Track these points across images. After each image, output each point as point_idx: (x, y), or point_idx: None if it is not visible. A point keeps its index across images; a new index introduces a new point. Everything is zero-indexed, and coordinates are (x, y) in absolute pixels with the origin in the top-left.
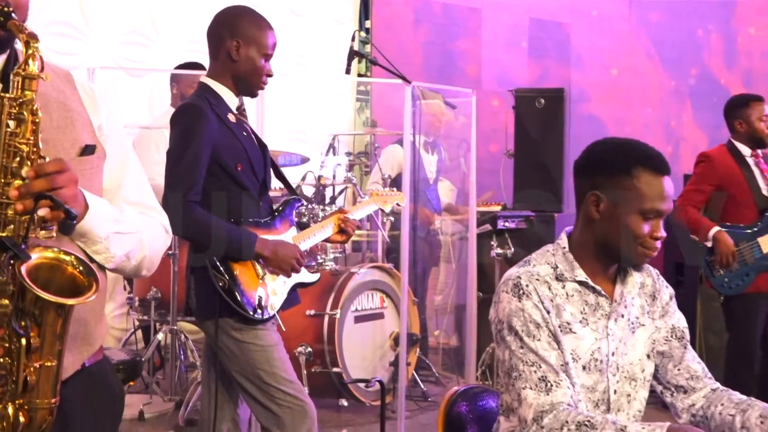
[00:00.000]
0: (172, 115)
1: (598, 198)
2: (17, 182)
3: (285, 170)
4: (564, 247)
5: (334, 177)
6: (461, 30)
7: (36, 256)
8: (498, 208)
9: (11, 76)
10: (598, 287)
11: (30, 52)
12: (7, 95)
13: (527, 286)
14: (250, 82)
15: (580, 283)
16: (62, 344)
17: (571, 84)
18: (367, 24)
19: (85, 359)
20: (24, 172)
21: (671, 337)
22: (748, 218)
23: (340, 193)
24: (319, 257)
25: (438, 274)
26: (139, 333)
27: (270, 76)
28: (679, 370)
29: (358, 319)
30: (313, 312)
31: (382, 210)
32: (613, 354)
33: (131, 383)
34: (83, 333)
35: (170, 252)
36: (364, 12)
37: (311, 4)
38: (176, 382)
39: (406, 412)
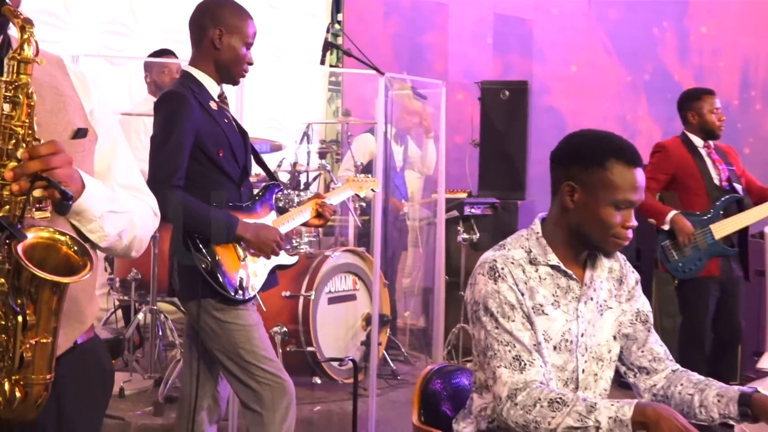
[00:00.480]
0: (155, 102)
1: (572, 188)
2: (13, 164)
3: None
4: (537, 233)
5: (308, 164)
6: (429, 24)
7: (32, 236)
8: (464, 195)
9: (7, 60)
10: (569, 271)
11: (25, 36)
12: (3, 79)
13: (503, 269)
14: (232, 70)
15: (553, 267)
16: (57, 321)
17: (533, 77)
18: (339, 17)
19: (77, 337)
20: (19, 153)
21: (636, 320)
22: (700, 206)
23: (314, 179)
24: (294, 241)
25: (406, 258)
26: (119, 313)
27: (251, 64)
28: (642, 352)
29: (332, 301)
30: (288, 293)
31: (358, 195)
32: (582, 335)
33: (113, 361)
34: (75, 311)
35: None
36: (336, 5)
37: None
38: (155, 360)
39: (377, 389)
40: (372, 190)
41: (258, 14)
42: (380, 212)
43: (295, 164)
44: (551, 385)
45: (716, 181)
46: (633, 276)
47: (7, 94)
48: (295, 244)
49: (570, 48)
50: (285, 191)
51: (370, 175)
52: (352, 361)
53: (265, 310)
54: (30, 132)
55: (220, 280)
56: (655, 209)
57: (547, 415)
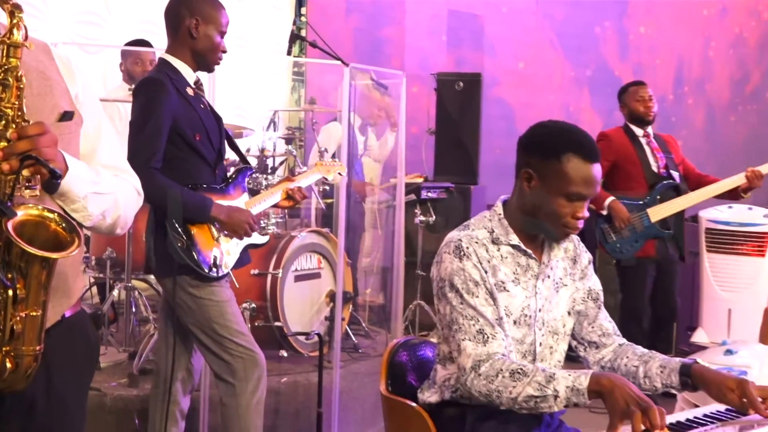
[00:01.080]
0: (134, 88)
1: (530, 175)
2: (2, 144)
3: None
4: (500, 214)
5: (274, 149)
6: (387, 19)
7: (21, 213)
8: (420, 180)
9: None
10: (529, 250)
11: (14, 21)
12: None
13: (468, 248)
14: (207, 58)
15: (514, 246)
16: (46, 295)
17: (484, 70)
18: (303, 11)
19: (64, 311)
20: (9, 134)
21: (588, 298)
22: (638, 191)
23: (281, 163)
24: (262, 222)
25: (365, 238)
26: (94, 289)
27: (225, 52)
28: (592, 327)
29: (298, 278)
30: (257, 271)
31: (325, 178)
32: (540, 310)
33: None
34: (63, 286)
35: None
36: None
37: None
38: (129, 334)
39: (340, 362)
40: (339, 173)
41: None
42: (344, 195)
43: (263, 150)
44: (512, 357)
45: (654, 168)
46: (586, 256)
47: None
48: (263, 225)
49: (518, 44)
50: (254, 175)
51: (337, 160)
52: (318, 335)
53: (237, 286)
54: (19, 113)
55: (195, 258)
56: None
57: (508, 385)
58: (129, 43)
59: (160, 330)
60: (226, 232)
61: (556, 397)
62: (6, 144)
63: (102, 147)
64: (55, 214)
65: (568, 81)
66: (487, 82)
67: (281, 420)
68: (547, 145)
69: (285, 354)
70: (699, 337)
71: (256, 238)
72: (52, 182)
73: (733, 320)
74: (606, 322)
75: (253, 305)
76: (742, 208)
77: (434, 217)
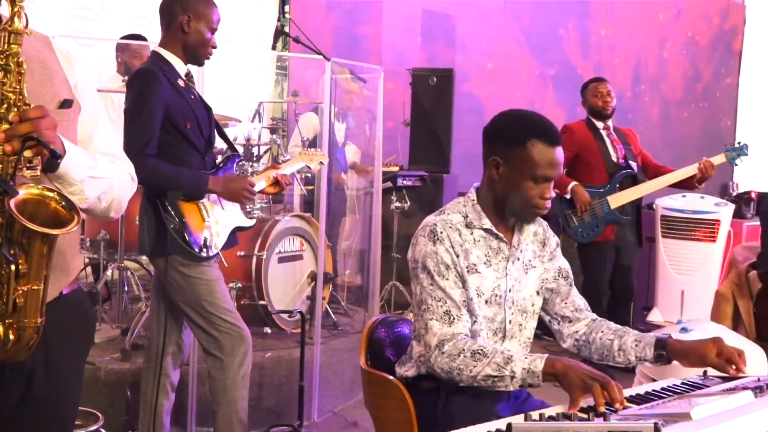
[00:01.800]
0: (128, 79)
1: (498, 163)
2: (5, 126)
3: None
4: (473, 200)
5: (259, 138)
6: (365, 17)
7: (23, 192)
8: (396, 169)
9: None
10: (500, 234)
11: (15, 9)
12: None
13: (441, 232)
14: (197, 53)
15: (486, 230)
16: (47, 270)
17: (456, 66)
18: (286, 8)
19: (62, 287)
20: (11, 116)
21: (558, 276)
22: (599, 180)
23: (265, 152)
24: (248, 207)
25: (344, 223)
26: (89, 269)
27: (215, 47)
28: (565, 303)
29: (281, 260)
30: (243, 253)
31: (308, 166)
32: (510, 291)
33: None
34: (61, 264)
35: None
36: None
37: None
38: (122, 312)
39: (321, 338)
40: (321, 162)
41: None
42: (326, 182)
43: (248, 139)
44: (482, 334)
45: (614, 159)
46: (554, 239)
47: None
48: (249, 210)
49: (488, 42)
50: (240, 163)
51: (319, 149)
52: (300, 313)
53: (226, 266)
54: (21, 97)
55: (187, 239)
56: (559, 181)
57: (469, 364)
58: (125, 37)
59: (152, 308)
60: (217, 210)
61: (512, 377)
62: (8, 126)
63: (98, 134)
64: (55, 192)
65: (533, 77)
66: (458, 77)
67: (265, 392)
68: (511, 133)
69: (269, 331)
70: (654, 316)
71: (244, 221)
72: (52, 162)
73: (686, 301)
74: (578, 298)
75: (240, 285)
76: (695, 197)
77: (409, 203)
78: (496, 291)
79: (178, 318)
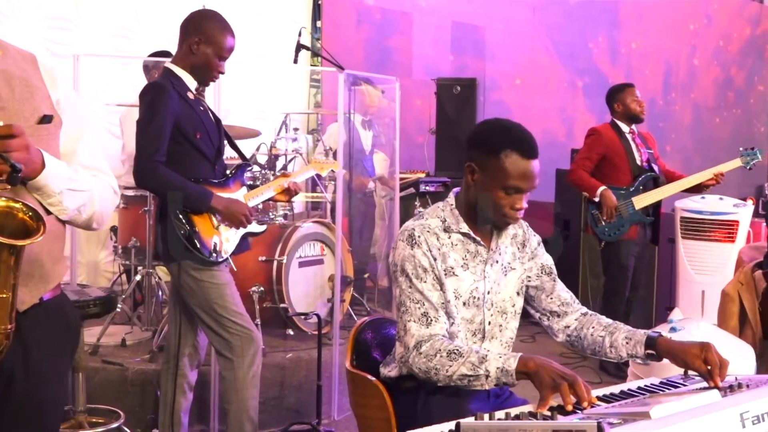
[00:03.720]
0: (140, 92)
1: (473, 169)
2: None
3: (240, 142)
4: (451, 205)
5: (286, 148)
6: (395, 30)
7: None
8: (422, 175)
9: None
10: (477, 238)
11: None
12: None
13: (419, 237)
14: (202, 74)
15: (464, 234)
16: (16, 278)
17: (486, 75)
18: (318, 23)
19: (41, 294)
20: None
21: (541, 273)
22: (624, 181)
23: (290, 161)
24: (270, 214)
25: (374, 228)
26: (125, 275)
27: (222, 73)
28: (551, 299)
29: (302, 264)
30: (264, 258)
31: (319, 174)
32: (488, 293)
33: (115, 315)
34: (39, 272)
35: (146, 209)
36: (317, 13)
37: (272, 6)
38: (152, 315)
39: (341, 339)
40: (332, 170)
41: (247, 21)
42: (341, 188)
43: (271, 148)
44: (460, 336)
45: (638, 162)
46: (535, 239)
47: None
48: (272, 216)
49: (517, 51)
50: (262, 171)
51: (330, 158)
52: (317, 315)
53: (236, 271)
54: None
55: (197, 244)
56: (588, 184)
57: (445, 364)
58: (153, 54)
59: (170, 310)
60: (225, 223)
61: (487, 376)
62: None
63: (82, 148)
64: (20, 203)
65: (563, 85)
66: (488, 86)
67: (286, 392)
68: (488, 142)
69: (291, 332)
70: (675, 316)
71: (254, 227)
72: (13, 175)
73: (707, 301)
74: (563, 292)
75: (261, 288)
76: (714, 198)
77: None
78: (474, 293)
79: (193, 320)
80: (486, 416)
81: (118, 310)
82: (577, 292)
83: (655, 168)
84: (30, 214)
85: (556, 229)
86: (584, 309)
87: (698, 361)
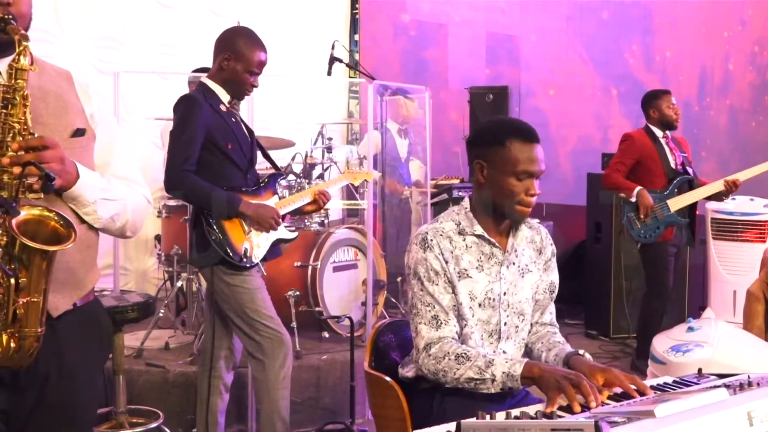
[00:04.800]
0: (174, 104)
1: (482, 166)
2: (10, 153)
3: (277, 152)
4: (466, 208)
5: (322, 157)
6: (431, 41)
7: (24, 213)
8: (456, 182)
9: (6, 69)
10: (493, 240)
11: (21, 49)
12: (2, 83)
13: (432, 240)
14: (234, 89)
15: (478, 236)
16: (47, 283)
17: (521, 83)
18: (356, 37)
19: (75, 300)
20: (15, 145)
21: (547, 290)
22: (659, 185)
23: (325, 170)
24: (306, 221)
25: (410, 234)
26: (169, 281)
27: (255, 86)
28: (540, 313)
29: (336, 269)
30: (299, 263)
31: (352, 184)
32: (504, 294)
33: (159, 320)
34: (72, 280)
35: (186, 218)
36: (354, 27)
37: (311, 21)
38: (194, 319)
39: None
40: (365, 180)
41: (286, 36)
42: (372, 195)
43: (306, 157)
44: (474, 337)
45: (672, 165)
46: (550, 248)
47: (6, 96)
48: (307, 224)
49: (551, 60)
50: (297, 180)
51: (363, 167)
52: (349, 318)
53: (265, 275)
54: (25, 127)
55: (227, 250)
56: (624, 185)
57: (453, 367)
58: (196, 70)
59: (206, 315)
60: (256, 227)
61: (493, 380)
62: (13, 153)
63: (115, 160)
64: (53, 212)
65: (598, 91)
66: (523, 93)
67: (321, 392)
68: (491, 136)
69: (326, 335)
70: (708, 315)
71: (285, 234)
72: (47, 184)
73: (738, 300)
74: (549, 312)
75: (297, 293)
76: (744, 199)
77: None
78: (489, 294)
79: (227, 324)
80: (488, 416)
81: (161, 315)
82: (610, 295)
83: (690, 171)
84: (61, 222)
85: (588, 233)
86: (554, 328)
87: (594, 380)
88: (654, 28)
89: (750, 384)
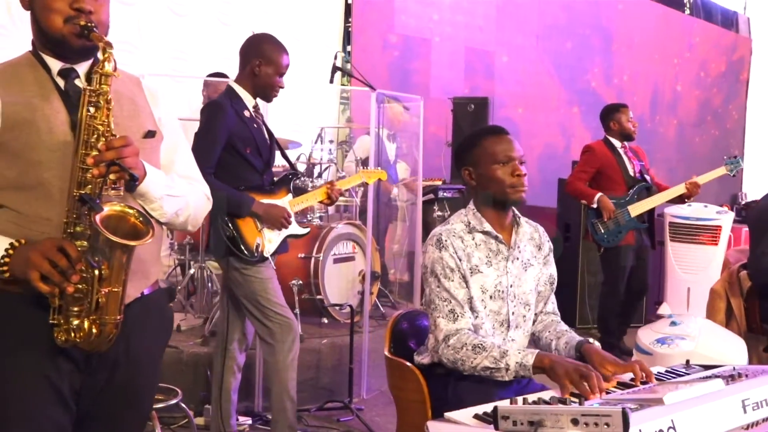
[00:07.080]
0: (201, 108)
1: (469, 171)
2: (94, 153)
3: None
4: (473, 209)
5: (321, 158)
6: (415, 54)
7: (107, 209)
8: (439, 183)
9: (93, 74)
10: (499, 235)
11: (106, 56)
12: (89, 87)
13: (446, 240)
14: (266, 92)
15: (486, 233)
16: (126, 275)
17: (495, 95)
18: (349, 48)
19: (143, 289)
20: (99, 145)
21: (548, 282)
22: (619, 192)
23: (326, 169)
24: (308, 216)
25: (395, 229)
26: (179, 268)
27: (282, 87)
28: (542, 304)
29: (336, 261)
30: (303, 255)
31: (366, 183)
32: (511, 286)
33: (171, 304)
34: (142, 270)
35: None
36: (346, 39)
37: (308, 33)
38: (204, 304)
39: (370, 327)
40: (379, 179)
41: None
42: (372, 194)
43: (309, 157)
44: (486, 327)
45: (631, 173)
46: (548, 245)
47: (91, 99)
48: (310, 218)
49: (522, 74)
50: (302, 178)
51: (378, 168)
52: (350, 306)
53: (275, 268)
54: (108, 129)
55: (240, 245)
56: (585, 192)
57: (470, 356)
58: (210, 75)
59: (221, 300)
60: (267, 225)
61: (507, 369)
62: (97, 153)
63: (179, 160)
64: (134, 209)
65: (563, 104)
66: (497, 104)
67: (321, 373)
68: (467, 143)
69: (325, 321)
70: (663, 309)
71: (297, 230)
72: (131, 184)
73: (692, 297)
74: (551, 301)
75: (300, 282)
76: (699, 206)
77: (449, 212)
78: (498, 287)
79: (240, 309)
80: (519, 400)
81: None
82: (576, 288)
83: (647, 178)
84: (141, 219)
85: (558, 232)
86: (556, 317)
87: (604, 369)
88: (613, 51)
89: (740, 375)
